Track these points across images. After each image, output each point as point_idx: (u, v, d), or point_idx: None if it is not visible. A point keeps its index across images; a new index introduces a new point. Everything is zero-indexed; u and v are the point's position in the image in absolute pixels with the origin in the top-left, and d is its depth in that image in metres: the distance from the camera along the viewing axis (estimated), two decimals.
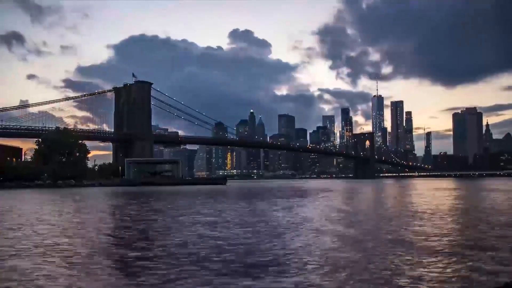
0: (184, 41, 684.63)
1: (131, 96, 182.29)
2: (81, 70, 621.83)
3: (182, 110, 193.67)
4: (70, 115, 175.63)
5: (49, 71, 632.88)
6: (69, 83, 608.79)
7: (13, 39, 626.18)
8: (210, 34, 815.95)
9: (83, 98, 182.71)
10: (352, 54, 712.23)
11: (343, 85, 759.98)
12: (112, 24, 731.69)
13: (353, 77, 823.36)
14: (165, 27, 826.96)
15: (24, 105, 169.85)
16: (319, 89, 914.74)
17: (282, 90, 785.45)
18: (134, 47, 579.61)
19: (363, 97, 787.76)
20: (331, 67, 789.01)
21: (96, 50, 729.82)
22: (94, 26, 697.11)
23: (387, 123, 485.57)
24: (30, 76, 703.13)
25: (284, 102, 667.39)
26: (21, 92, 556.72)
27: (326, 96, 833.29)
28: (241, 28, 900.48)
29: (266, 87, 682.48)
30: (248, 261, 10.88)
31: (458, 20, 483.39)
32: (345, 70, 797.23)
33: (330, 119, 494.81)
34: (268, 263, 10.60)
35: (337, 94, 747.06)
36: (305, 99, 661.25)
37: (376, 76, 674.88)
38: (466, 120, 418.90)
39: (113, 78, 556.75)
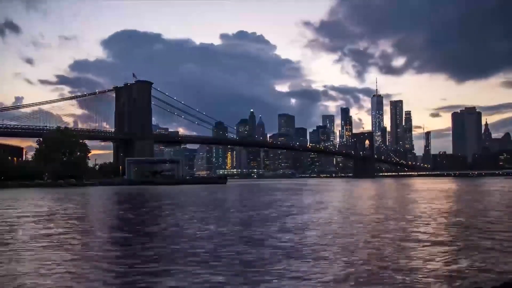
0: (180, 38, 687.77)
1: (131, 95, 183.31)
2: (75, 65, 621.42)
3: (183, 110, 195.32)
4: (71, 115, 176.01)
5: (42, 65, 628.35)
6: (63, 79, 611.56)
7: (7, 28, 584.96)
8: (206, 31, 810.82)
9: (83, 97, 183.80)
10: (356, 48, 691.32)
11: (348, 80, 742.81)
12: (107, 19, 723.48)
13: (359, 71, 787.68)
14: (159, 24, 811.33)
15: (24, 104, 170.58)
16: (324, 86, 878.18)
17: (285, 87, 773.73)
18: (128, 43, 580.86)
19: (368, 93, 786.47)
20: (335, 62, 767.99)
21: (91, 45, 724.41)
22: (89, 20, 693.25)
23: (387, 119, 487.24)
24: (24, 72, 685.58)
25: (287, 100, 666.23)
26: (15, 88, 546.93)
27: (331, 92, 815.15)
28: (240, 25, 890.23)
29: (267, 84, 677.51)
30: None
31: (463, 15, 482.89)
32: (350, 64, 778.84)
33: (330, 118, 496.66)
34: None
35: (341, 90, 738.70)
36: (308, 96, 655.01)
37: (382, 70, 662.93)
38: (465, 120, 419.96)
39: (107, 74, 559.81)
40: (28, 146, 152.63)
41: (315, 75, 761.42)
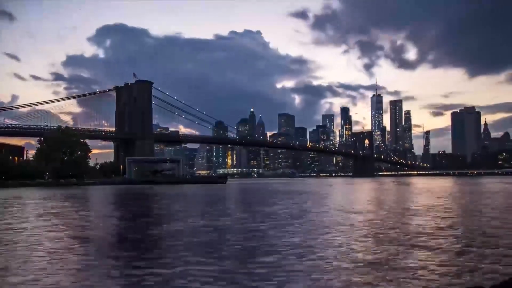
0: (174, 34, 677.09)
1: (132, 95, 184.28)
2: (68, 60, 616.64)
3: (183, 109, 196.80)
4: (71, 114, 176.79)
5: (33, 60, 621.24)
6: (58, 76, 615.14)
7: None
8: (200, 26, 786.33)
9: (84, 97, 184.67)
10: (363, 39, 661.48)
11: (355, 75, 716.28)
12: (95, 13, 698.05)
13: (366, 65, 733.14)
14: (152, 19, 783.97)
15: (24, 104, 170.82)
16: (329, 82, 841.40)
17: (288, 84, 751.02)
18: (121, 38, 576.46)
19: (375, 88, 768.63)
20: (341, 56, 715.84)
21: (84, 40, 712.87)
22: (82, 14, 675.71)
23: (387, 118, 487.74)
24: (14, 67, 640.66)
25: (290, 97, 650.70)
26: (7, 84, 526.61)
27: (336, 89, 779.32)
28: (236, 21, 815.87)
29: (269, 81, 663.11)
30: None
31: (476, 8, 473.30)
32: (356, 58, 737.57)
33: (330, 118, 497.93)
34: None
35: (347, 86, 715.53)
36: (313, 93, 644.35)
37: (390, 64, 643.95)
38: (465, 119, 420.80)
39: (101, 69, 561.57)
40: (25, 143, 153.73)
41: (319, 71, 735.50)
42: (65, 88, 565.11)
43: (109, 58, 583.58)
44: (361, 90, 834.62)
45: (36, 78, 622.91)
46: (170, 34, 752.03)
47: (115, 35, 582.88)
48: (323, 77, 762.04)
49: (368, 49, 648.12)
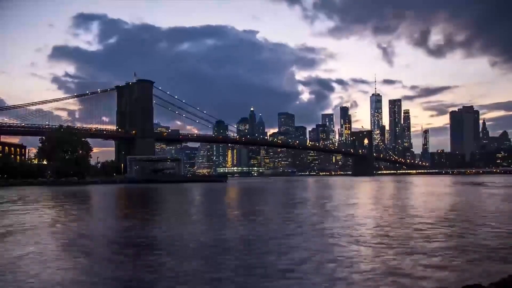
0: (172, 28, 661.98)
1: (133, 94, 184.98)
2: (53, 55, 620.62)
3: (183, 108, 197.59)
4: (72, 113, 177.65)
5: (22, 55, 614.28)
6: (49, 72, 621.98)
7: None
8: (194, 20, 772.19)
9: (85, 96, 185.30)
10: (380, 26, 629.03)
11: (368, 67, 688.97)
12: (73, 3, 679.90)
13: (382, 53, 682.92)
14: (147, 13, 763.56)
15: (27, 103, 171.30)
16: (340, 74, 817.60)
17: (298, 77, 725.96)
18: (105, 29, 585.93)
19: (389, 82, 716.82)
20: (354, 45, 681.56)
21: (66, 31, 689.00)
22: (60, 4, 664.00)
23: (386, 117, 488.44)
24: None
25: (299, 93, 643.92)
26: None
27: (348, 82, 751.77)
28: (235, 15, 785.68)
29: (276, 76, 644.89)
30: None
31: None
32: (371, 48, 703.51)
33: (329, 117, 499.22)
34: None
35: (358, 80, 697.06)
36: (323, 86, 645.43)
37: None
38: (464, 118, 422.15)
39: (89, 63, 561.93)
40: (20, 139, 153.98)
41: (331, 63, 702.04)
42: (59, 83, 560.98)
43: (99, 51, 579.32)
44: (373, 84, 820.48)
45: (26, 73, 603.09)
46: (164, 26, 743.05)
47: (100, 25, 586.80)
48: (336, 71, 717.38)
49: (385, 38, 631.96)
